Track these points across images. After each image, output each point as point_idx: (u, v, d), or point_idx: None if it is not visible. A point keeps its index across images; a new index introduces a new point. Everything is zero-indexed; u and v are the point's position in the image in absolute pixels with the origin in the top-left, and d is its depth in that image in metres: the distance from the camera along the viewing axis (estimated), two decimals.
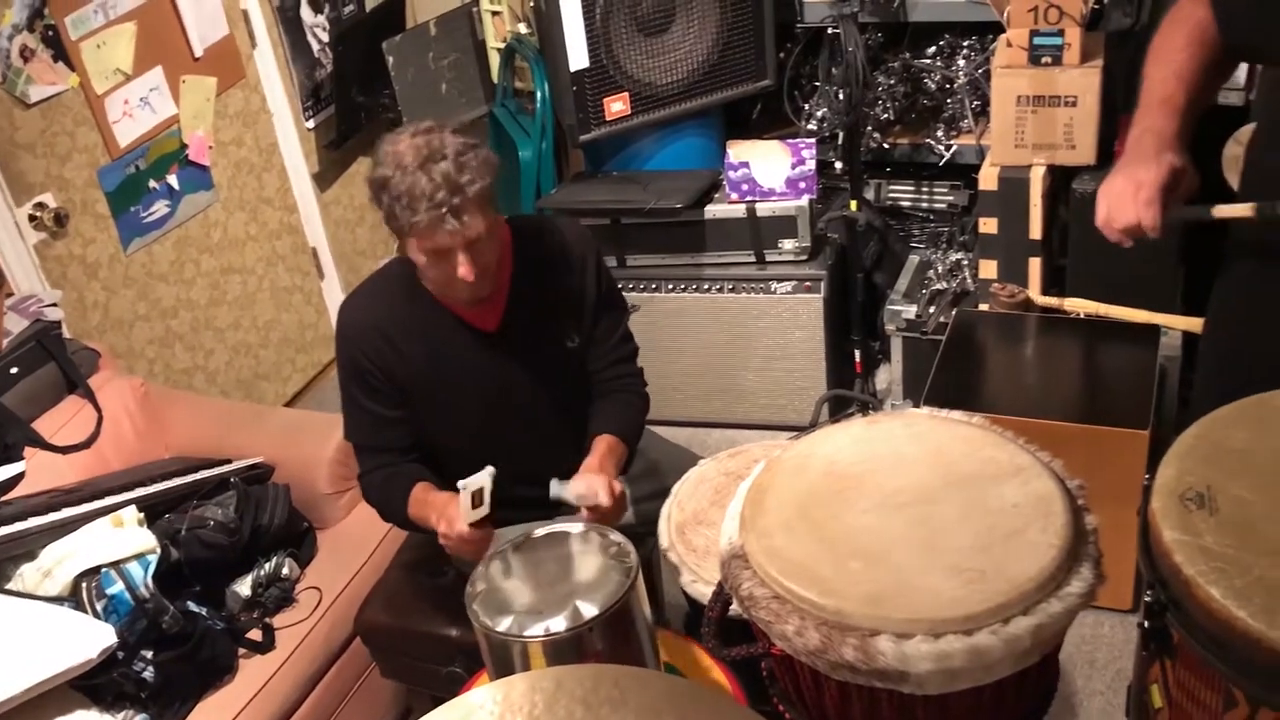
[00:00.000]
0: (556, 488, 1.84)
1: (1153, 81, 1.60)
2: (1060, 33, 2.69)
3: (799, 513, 1.34)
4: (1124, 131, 2.87)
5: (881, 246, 3.46)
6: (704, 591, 1.80)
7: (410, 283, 1.98)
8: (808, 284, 3.10)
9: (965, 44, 3.30)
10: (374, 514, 2.16)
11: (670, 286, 3.18)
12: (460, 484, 1.81)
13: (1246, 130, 2.14)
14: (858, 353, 3.23)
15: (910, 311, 3.07)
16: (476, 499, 1.77)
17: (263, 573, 2.37)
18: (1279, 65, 1.58)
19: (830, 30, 3.08)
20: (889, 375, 3.26)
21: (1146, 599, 1.16)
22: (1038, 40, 2.71)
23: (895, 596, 1.21)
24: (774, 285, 3.12)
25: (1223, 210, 1.57)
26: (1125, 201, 1.54)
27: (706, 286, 3.16)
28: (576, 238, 2.11)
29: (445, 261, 1.82)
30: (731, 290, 3.15)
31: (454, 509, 1.83)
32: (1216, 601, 1.07)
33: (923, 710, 1.24)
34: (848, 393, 3.21)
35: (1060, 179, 2.89)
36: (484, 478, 1.79)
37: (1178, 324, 2.68)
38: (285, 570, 2.39)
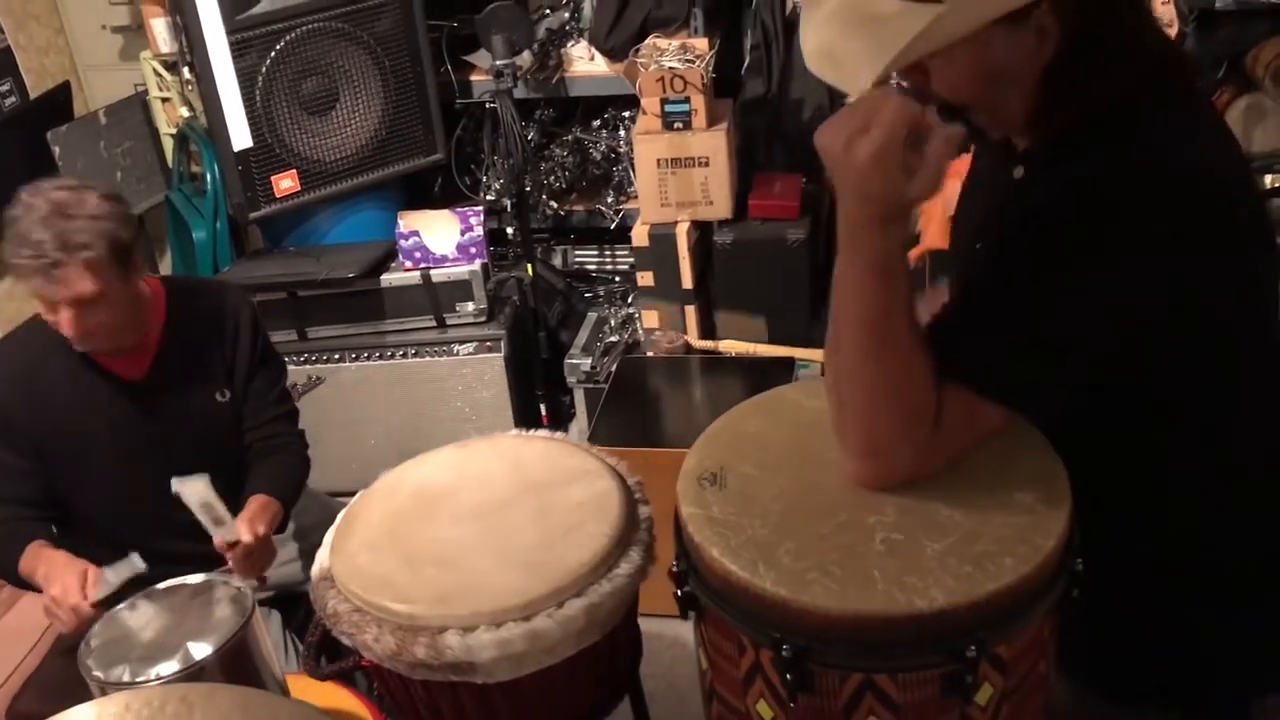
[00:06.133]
0: (177, 484, 1.86)
1: None
2: (687, 100, 2.97)
3: (385, 532, 1.45)
4: (759, 187, 3.21)
5: (566, 306, 3.66)
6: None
7: (58, 331, 2.00)
8: (488, 344, 3.24)
9: (627, 115, 3.58)
10: (38, 603, 2.12)
11: (354, 356, 3.24)
12: (107, 570, 1.82)
13: None
14: (543, 407, 3.38)
15: (586, 364, 3.26)
16: (112, 583, 1.79)
17: None
18: None
19: (488, 105, 3.28)
20: (578, 426, 3.44)
21: (672, 568, 1.32)
22: (668, 108, 2.98)
23: (462, 594, 1.33)
24: (456, 347, 3.24)
25: None
26: None
27: (390, 353, 3.24)
28: (231, 297, 2.21)
29: (54, 312, 1.89)
30: (415, 355, 3.25)
31: (71, 576, 1.81)
32: (717, 561, 1.24)
33: (499, 697, 1.36)
34: None
35: (704, 232, 3.17)
36: (130, 568, 1.81)
37: (813, 355, 2.99)
38: None
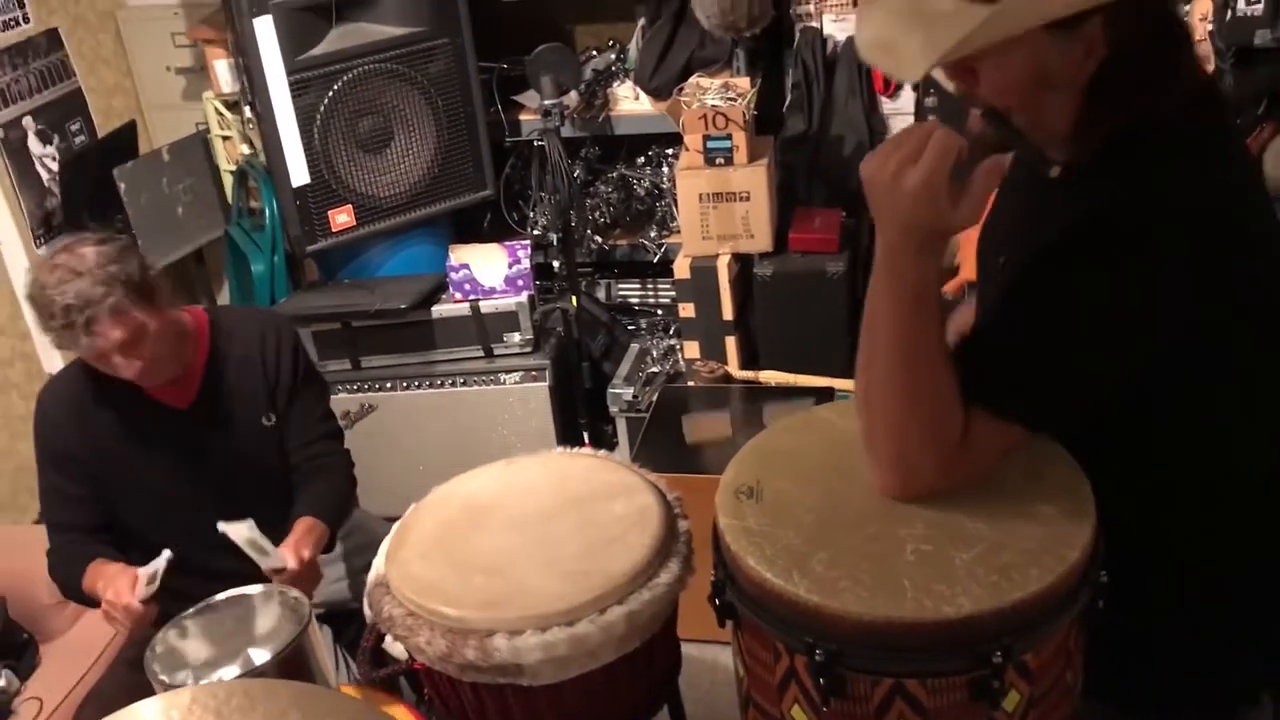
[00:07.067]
0: (224, 527, 1.95)
1: None
2: (729, 136, 3.05)
3: (435, 542, 1.52)
4: (799, 221, 3.27)
5: (610, 338, 3.74)
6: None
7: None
8: (534, 374, 3.32)
9: (670, 152, 3.67)
10: (99, 619, 2.21)
11: (405, 385, 3.34)
12: (141, 570, 1.95)
13: None
14: (586, 435, 3.45)
15: (629, 393, 3.33)
16: (152, 579, 1.92)
17: None
18: None
19: (536, 143, 3.38)
20: (620, 454, 3.50)
21: (712, 578, 1.37)
22: (710, 144, 3.07)
23: (509, 599, 1.40)
24: (502, 377, 3.32)
25: None
26: None
27: (439, 382, 3.33)
28: (273, 324, 2.29)
29: (106, 361, 1.98)
30: (463, 384, 3.33)
31: (122, 580, 1.93)
32: (753, 569, 1.29)
33: (544, 700, 1.42)
34: None
35: (744, 265, 3.24)
36: (161, 561, 1.94)
37: (851, 386, 3.03)
38: (2, 682, 2.38)
